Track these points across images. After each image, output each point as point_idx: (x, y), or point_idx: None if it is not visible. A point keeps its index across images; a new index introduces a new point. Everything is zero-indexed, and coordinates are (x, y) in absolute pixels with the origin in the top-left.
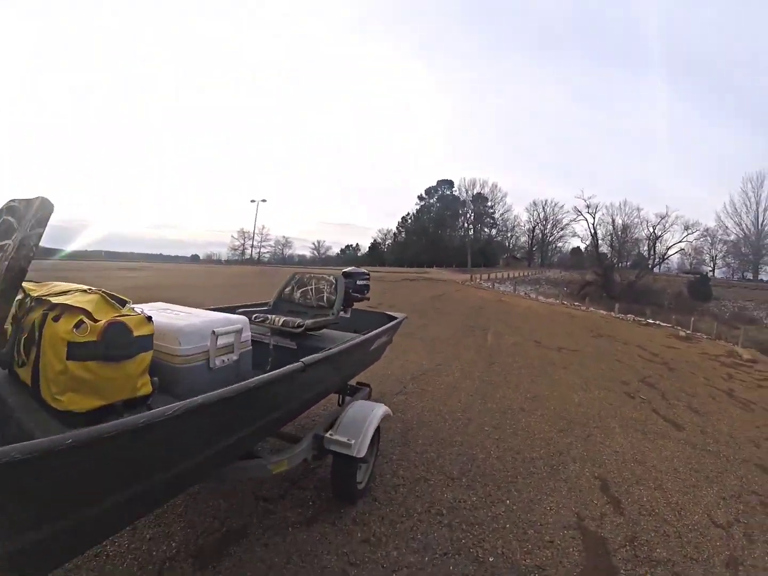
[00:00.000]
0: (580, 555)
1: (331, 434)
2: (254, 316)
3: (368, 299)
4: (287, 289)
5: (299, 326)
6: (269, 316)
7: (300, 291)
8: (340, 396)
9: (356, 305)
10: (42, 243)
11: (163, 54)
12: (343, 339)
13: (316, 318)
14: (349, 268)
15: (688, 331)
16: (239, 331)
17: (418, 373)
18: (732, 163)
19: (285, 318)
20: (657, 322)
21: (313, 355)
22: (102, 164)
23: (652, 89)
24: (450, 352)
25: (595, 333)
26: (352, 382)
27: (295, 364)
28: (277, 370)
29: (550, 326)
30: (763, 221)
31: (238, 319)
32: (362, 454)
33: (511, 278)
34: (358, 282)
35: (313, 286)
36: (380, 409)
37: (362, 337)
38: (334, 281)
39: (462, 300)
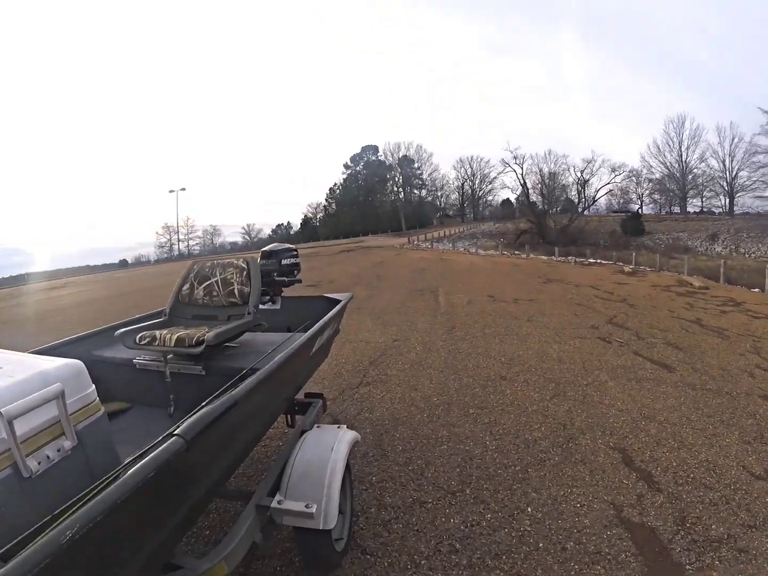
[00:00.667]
0: (637, 560)
1: (279, 501)
2: (140, 335)
3: (300, 281)
4: (185, 288)
5: (199, 342)
6: (159, 333)
7: (203, 287)
8: (288, 416)
9: (287, 291)
10: None
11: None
12: (272, 344)
13: (229, 322)
14: (269, 246)
15: (632, 267)
16: (60, 395)
17: (376, 354)
18: (651, 109)
19: (181, 332)
20: (599, 261)
21: (203, 412)
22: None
23: (570, 40)
24: (404, 323)
25: (545, 279)
26: (300, 393)
27: (168, 441)
28: (143, 462)
29: (498, 278)
30: (686, 158)
31: (62, 370)
32: (332, 525)
33: (447, 236)
34: (284, 261)
35: (219, 278)
36: (344, 442)
37: (299, 341)
38: (244, 266)
39: (404, 264)
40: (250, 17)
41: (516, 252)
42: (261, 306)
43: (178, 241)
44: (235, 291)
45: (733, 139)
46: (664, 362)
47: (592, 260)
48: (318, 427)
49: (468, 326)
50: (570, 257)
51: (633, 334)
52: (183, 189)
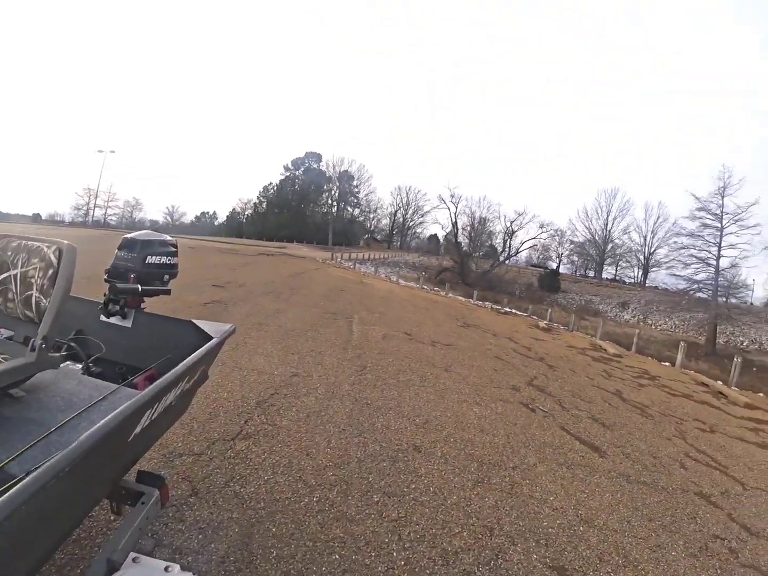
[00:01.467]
0: None
1: None
2: None
3: (168, 292)
4: None
5: None
6: None
7: None
8: (113, 503)
9: (150, 302)
10: None
11: None
12: (83, 398)
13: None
14: (136, 234)
15: (546, 322)
16: None
17: (268, 391)
18: (590, 176)
19: None
20: (514, 311)
21: None
22: None
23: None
24: (310, 352)
25: (462, 322)
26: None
27: None
28: None
29: (416, 313)
30: (611, 228)
31: None
32: None
33: (371, 259)
34: (151, 259)
35: (19, 271)
36: None
37: (134, 402)
38: (54, 259)
39: (322, 280)
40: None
41: (436, 288)
42: (105, 319)
43: (95, 206)
44: (32, 300)
45: (658, 218)
46: (593, 443)
47: (508, 309)
48: (135, 560)
49: (381, 368)
50: (487, 302)
51: (556, 402)
52: (112, 151)
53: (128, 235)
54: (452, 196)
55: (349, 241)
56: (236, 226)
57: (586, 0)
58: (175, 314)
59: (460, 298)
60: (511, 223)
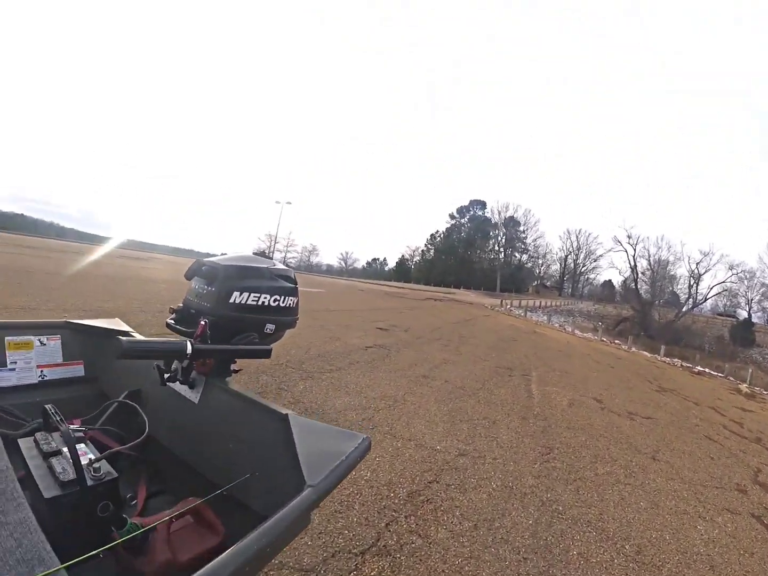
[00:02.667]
0: None
1: None
2: None
3: (269, 354)
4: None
5: None
6: None
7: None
8: None
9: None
10: None
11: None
12: None
13: None
14: (224, 257)
15: (747, 385)
16: None
17: (425, 476)
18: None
19: None
20: (707, 371)
21: None
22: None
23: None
24: (482, 419)
25: (656, 385)
26: None
27: None
28: None
29: (601, 372)
30: None
31: None
32: None
33: (542, 307)
34: (241, 297)
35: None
36: None
37: None
38: None
39: (492, 328)
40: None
41: (616, 341)
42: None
43: (274, 250)
44: None
45: None
46: None
47: (700, 368)
48: None
49: (572, 452)
50: (676, 359)
51: None
52: (289, 203)
53: (207, 259)
54: (629, 237)
55: (517, 288)
56: (405, 272)
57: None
58: (331, 359)
59: (645, 353)
60: (697, 264)
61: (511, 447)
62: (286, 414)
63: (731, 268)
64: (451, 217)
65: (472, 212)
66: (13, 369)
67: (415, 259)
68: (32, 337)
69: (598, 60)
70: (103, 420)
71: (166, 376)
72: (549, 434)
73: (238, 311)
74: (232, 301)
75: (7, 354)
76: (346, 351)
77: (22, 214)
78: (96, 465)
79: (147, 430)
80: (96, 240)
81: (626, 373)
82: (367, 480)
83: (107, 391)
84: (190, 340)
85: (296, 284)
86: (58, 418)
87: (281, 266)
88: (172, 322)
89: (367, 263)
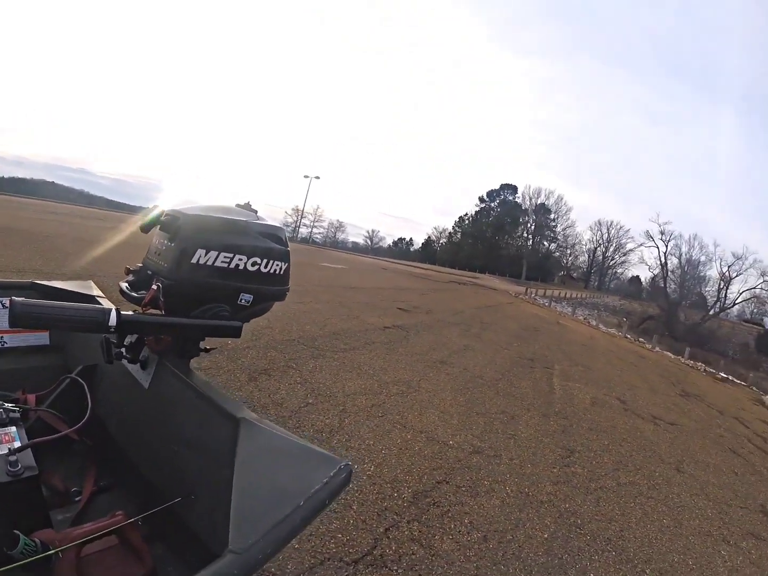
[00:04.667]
0: None
1: None
2: None
3: (235, 333)
4: None
5: None
6: None
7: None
8: None
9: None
10: None
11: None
12: None
13: None
14: (186, 206)
15: None
16: None
17: (434, 475)
18: None
19: None
20: (730, 377)
21: None
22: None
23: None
24: (500, 413)
25: (680, 389)
26: None
27: None
28: None
29: (625, 370)
30: None
31: None
32: None
33: (567, 298)
34: (208, 257)
35: None
36: None
37: None
38: None
39: (515, 315)
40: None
41: (641, 339)
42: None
43: (300, 225)
44: None
45: None
46: None
47: (724, 375)
48: None
49: (594, 456)
50: (699, 363)
51: None
52: (317, 177)
53: (170, 208)
54: (662, 233)
55: (543, 277)
56: (430, 254)
57: None
58: (347, 337)
59: (669, 354)
60: (728, 267)
61: (529, 446)
62: (240, 418)
63: (763, 274)
64: (481, 200)
65: (502, 196)
66: None
67: (441, 241)
68: None
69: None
70: (53, 398)
71: (114, 351)
72: (570, 434)
73: (203, 275)
74: (195, 261)
75: None
76: (363, 330)
77: (53, 182)
78: (12, 458)
79: (88, 413)
80: (126, 208)
81: (650, 375)
82: (369, 475)
83: (70, 364)
84: (117, 308)
85: (287, 246)
86: None
87: (269, 222)
88: (126, 286)
89: (393, 242)
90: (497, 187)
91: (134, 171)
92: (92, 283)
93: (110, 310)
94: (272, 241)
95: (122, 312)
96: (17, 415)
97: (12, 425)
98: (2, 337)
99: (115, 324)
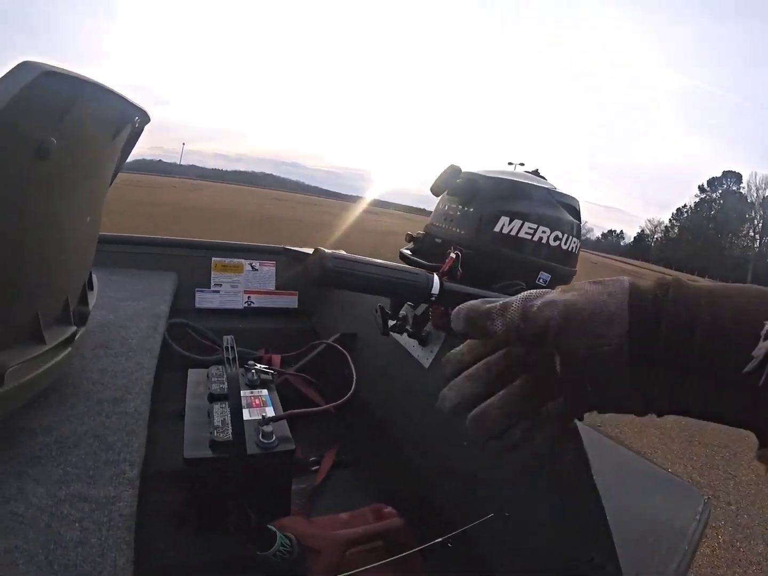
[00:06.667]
0: None
1: None
2: None
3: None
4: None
5: None
6: None
7: None
8: None
9: None
10: None
11: None
12: None
13: None
14: (502, 169)
15: None
16: None
17: None
18: None
19: None
20: None
21: None
22: None
23: None
24: (722, 447)
25: None
26: None
27: None
28: None
29: None
30: None
31: None
32: None
33: None
34: (511, 226)
35: None
36: None
37: None
38: None
39: None
40: None
41: None
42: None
43: None
44: None
45: None
46: None
47: None
48: None
49: None
50: None
51: None
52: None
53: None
54: None
55: None
56: (643, 249)
57: None
58: None
59: None
60: None
61: (747, 491)
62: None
63: None
64: (701, 190)
65: (725, 186)
66: (217, 291)
67: (656, 236)
68: (243, 261)
69: None
70: (304, 362)
71: (390, 323)
72: None
73: (506, 246)
74: (497, 229)
75: (212, 275)
76: None
77: (272, 174)
78: (266, 428)
79: (353, 387)
80: (339, 197)
81: None
82: None
83: (319, 330)
84: (438, 274)
85: (581, 221)
86: (231, 356)
87: (564, 192)
88: (409, 252)
89: (603, 235)
90: (719, 174)
91: (342, 163)
92: (343, 252)
93: (432, 276)
94: (571, 215)
95: (443, 280)
96: (269, 377)
97: (263, 387)
98: (249, 297)
99: (437, 293)
